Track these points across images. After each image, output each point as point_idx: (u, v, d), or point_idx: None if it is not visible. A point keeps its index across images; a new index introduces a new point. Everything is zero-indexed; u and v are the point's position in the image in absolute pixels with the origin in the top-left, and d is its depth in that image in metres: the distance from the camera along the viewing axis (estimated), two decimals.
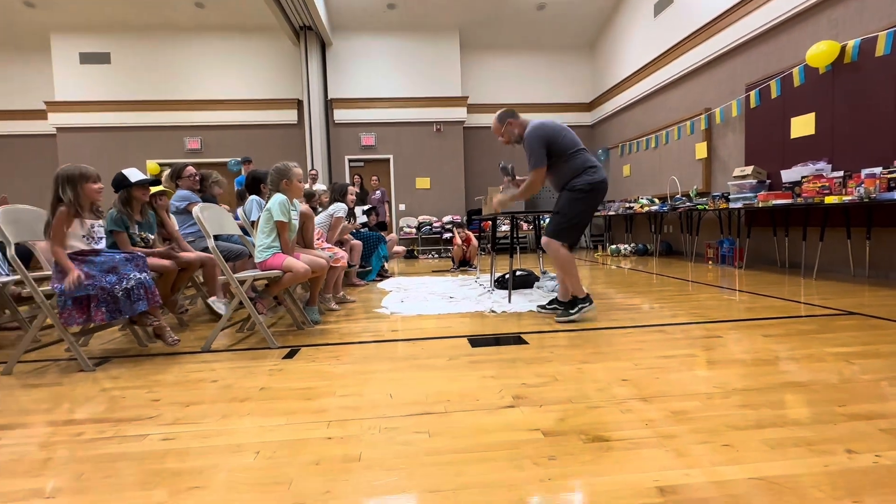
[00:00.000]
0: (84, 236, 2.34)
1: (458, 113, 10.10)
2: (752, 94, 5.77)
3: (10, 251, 2.24)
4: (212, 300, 3.28)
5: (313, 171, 8.09)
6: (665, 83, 7.89)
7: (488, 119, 10.68)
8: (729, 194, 5.63)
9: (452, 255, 6.55)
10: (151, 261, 2.75)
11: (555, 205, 2.96)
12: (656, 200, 7.87)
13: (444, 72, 9.93)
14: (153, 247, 3.03)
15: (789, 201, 4.67)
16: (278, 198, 2.82)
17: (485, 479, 1.19)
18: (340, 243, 4.55)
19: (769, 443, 1.33)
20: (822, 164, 4.70)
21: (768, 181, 5.41)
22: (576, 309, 2.98)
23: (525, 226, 9.66)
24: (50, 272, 2.63)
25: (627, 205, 8.40)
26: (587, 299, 2.99)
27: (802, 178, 4.59)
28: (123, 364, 2.36)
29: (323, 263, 2.95)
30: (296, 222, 3.03)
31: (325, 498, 1.14)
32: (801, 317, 2.91)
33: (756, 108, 5.79)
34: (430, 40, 9.89)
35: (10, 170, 9.86)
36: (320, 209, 4.42)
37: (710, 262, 6.23)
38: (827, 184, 4.35)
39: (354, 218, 5.16)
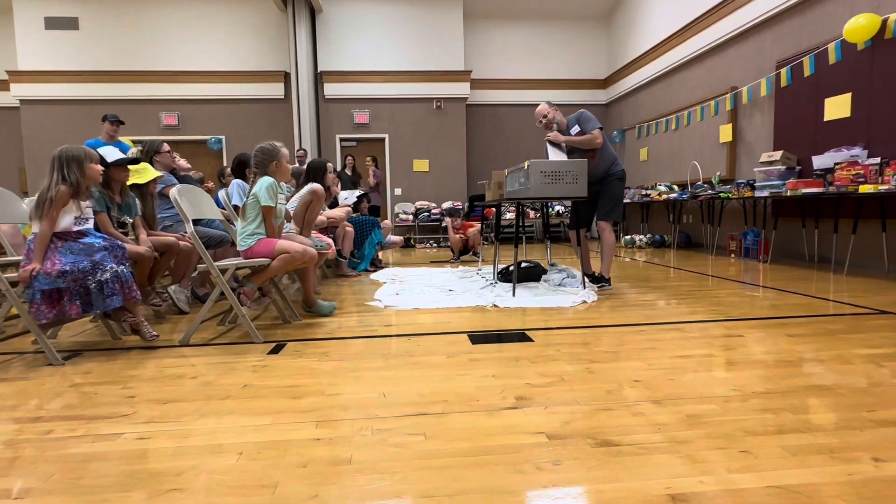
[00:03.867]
0: (77, 217, 2.38)
1: (461, 89, 10.04)
2: (783, 71, 5.74)
3: None
4: (173, 288, 3.28)
5: (301, 152, 8.06)
6: (687, 59, 7.84)
7: (493, 96, 10.63)
8: (755, 182, 5.63)
9: (451, 244, 6.54)
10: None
11: (602, 192, 3.81)
12: (675, 187, 7.87)
13: (445, 44, 9.85)
14: (130, 232, 3.04)
15: (820, 190, 4.67)
16: (266, 181, 2.81)
17: (484, 485, 1.21)
18: (327, 230, 4.54)
19: (790, 449, 1.35)
20: (857, 150, 4.69)
21: (798, 168, 5.40)
22: (600, 285, 3.91)
23: (532, 213, 9.67)
24: (14, 258, 2.63)
25: (644, 192, 8.41)
26: (609, 281, 3.95)
27: (835, 164, 4.58)
28: (95, 358, 2.38)
29: (312, 252, 2.95)
30: (282, 207, 3.04)
31: (312, 503, 1.16)
32: (830, 315, 2.93)
33: (787, 88, 5.76)
34: (431, 8, 9.80)
35: None
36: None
37: (733, 256, 6.25)
38: (862, 171, 4.35)
39: (337, 204, 5.14)
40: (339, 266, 5.12)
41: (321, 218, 4.04)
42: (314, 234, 3.76)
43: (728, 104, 6.85)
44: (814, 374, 1.93)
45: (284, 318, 3.05)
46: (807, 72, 5.42)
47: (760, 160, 5.72)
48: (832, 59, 5.06)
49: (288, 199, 3.70)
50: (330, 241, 3.87)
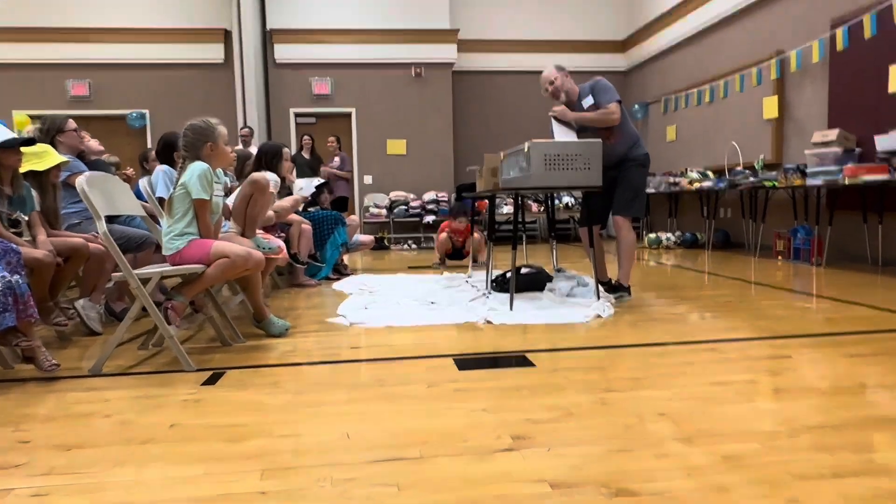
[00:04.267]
0: None
1: (446, 52, 10.08)
2: (839, 32, 5.86)
3: None
4: (82, 303, 3.25)
5: (245, 130, 8.03)
6: (723, 17, 7.97)
7: (486, 61, 10.68)
8: (806, 167, 5.73)
9: (436, 247, 6.55)
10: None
11: (619, 180, 3.87)
12: (710, 174, 7.99)
13: None
14: (26, 232, 2.99)
15: (885, 177, 4.78)
16: (198, 168, 2.80)
17: None
18: (275, 228, 4.53)
19: (849, 498, 1.37)
20: None
21: (858, 150, 5.52)
22: (618, 294, 3.97)
23: (535, 206, 9.74)
24: None
25: (672, 180, 8.52)
26: (629, 290, 4.02)
27: None
28: None
29: (259, 256, 2.94)
30: (219, 200, 3.02)
31: None
32: None
33: (844, 52, 5.88)
34: None
35: None
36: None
37: (780, 258, 6.36)
38: None
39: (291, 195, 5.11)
40: (294, 274, 5.10)
41: (269, 213, 4.02)
42: (260, 233, 3.74)
43: (773, 72, 6.97)
44: (879, 404, 1.97)
45: (224, 339, 3.03)
46: (867, 33, 5.53)
47: (813, 141, 5.83)
48: None
49: (228, 192, 3.67)
50: (280, 242, 3.85)
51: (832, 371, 2.34)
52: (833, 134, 5.58)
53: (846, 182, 5.03)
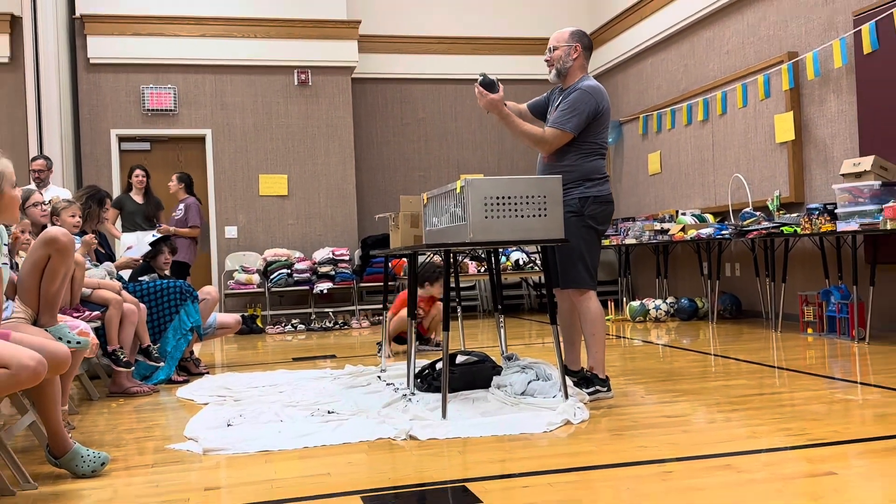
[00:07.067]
0: None
1: (342, 51, 10.23)
2: (865, 29, 6.28)
3: None
4: None
5: (40, 162, 7.74)
6: (718, 6, 8.41)
7: (401, 64, 10.86)
8: (836, 206, 5.99)
9: (387, 323, 6.44)
10: None
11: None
12: (709, 218, 8.28)
13: None
14: None
15: None
16: None
17: None
18: (85, 305, 4.37)
19: None
20: None
21: None
22: (591, 389, 4.03)
23: (473, 267, 9.80)
24: None
25: (659, 226, 8.74)
26: (607, 383, 4.10)
27: None
28: None
29: (61, 353, 2.79)
30: (4, 268, 2.87)
31: None
32: None
33: (873, 55, 6.29)
34: None
35: None
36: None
37: (810, 331, 6.58)
38: None
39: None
40: (115, 376, 4.88)
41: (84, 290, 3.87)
42: (62, 318, 3.58)
43: (785, 80, 7.38)
44: None
45: (3, 485, 2.82)
46: None
47: (842, 172, 6.12)
48: None
49: (13, 252, 3.51)
50: (87, 327, 3.69)
51: (893, 490, 2.38)
52: (867, 162, 5.86)
53: (888, 227, 5.27)
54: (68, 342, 3.21)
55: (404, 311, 6.28)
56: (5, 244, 2.86)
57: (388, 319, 6.26)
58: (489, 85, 4.04)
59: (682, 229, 8.17)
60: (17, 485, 2.89)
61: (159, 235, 5.79)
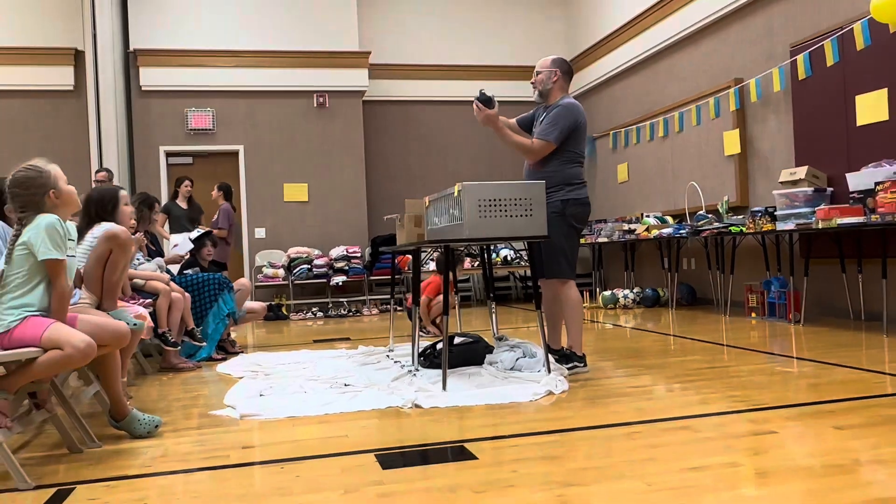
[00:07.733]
0: None
1: (355, 77, 10.28)
2: (800, 59, 6.41)
3: None
4: None
5: (102, 174, 7.82)
6: (675, 39, 8.56)
7: (402, 88, 10.95)
8: (775, 209, 6.10)
9: (428, 313, 6.43)
10: None
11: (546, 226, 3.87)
12: (669, 219, 8.39)
13: (331, 12, 10.14)
14: None
15: (860, 219, 5.15)
16: (46, 220, 2.68)
17: None
18: (139, 294, 4.41)
19: None
20: None
21: (829, 190, 5.94)
22: (570, 365, 4.14)
23: (468, 262, 9.85)
24: None
25: (627, 227, 8.84)
26: (584, 360, 4.22)
27: (876, 184, 5.09)
28: None
29: (122, 330, 2.84)
30: (72, 261, 2.92)
31: None
32: (888, 396, 3.23)
33: (806, 81, 6.44)
34: None
35: None
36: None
37: (754, 315, 6.70)
38: None
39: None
40: (165, 354, 4.93)
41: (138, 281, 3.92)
42: (122, 304, 3.64)
43: (732, 102, 7.50)
44: (877, 483, 2.08)
45: (72, 444, 2.88)
46: (829, 60, 6.11)
47: (780, 180, 6.25)
48: (859, 43, 5.76)
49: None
50: (143, 311, 3.73)
51: (822, 446, 2.47)
52: (801, 171, 6.01)
53: (820, 226, 5.39)
54: (127, 323, 3.27)
55: (439, 297, 6.28)
56: (71, 239, 2.90)
57: (422, 304, 6.20)
58: (486, 101, 4.15)
59: (647, 229, 8.36)
60: (85, 444, 2.95)
61: (202, 231, 5.82)
